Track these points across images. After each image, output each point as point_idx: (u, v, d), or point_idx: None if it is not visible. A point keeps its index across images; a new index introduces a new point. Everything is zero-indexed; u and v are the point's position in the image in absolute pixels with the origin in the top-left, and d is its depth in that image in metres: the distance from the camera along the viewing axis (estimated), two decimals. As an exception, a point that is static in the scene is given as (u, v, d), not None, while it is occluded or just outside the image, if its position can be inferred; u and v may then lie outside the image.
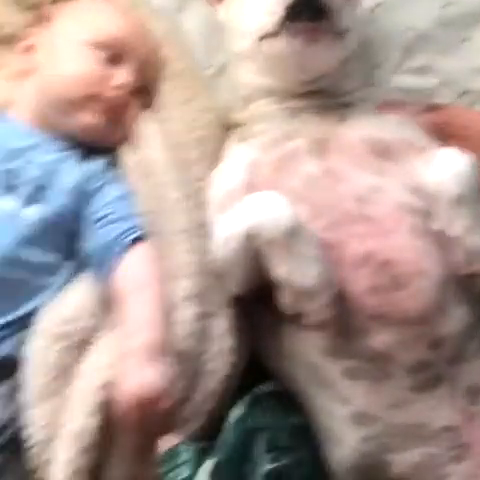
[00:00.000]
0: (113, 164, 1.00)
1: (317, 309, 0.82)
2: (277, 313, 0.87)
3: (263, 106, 0.98)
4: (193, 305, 0.90)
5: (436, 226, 0.86)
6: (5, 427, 0.85)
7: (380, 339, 0.84)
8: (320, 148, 0.91)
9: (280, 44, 0.92)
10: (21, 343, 0.88)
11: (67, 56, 0.98)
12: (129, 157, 0.98)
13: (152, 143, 0.98)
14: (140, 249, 0.91)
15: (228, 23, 1.02)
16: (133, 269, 0.89)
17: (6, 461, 0.84)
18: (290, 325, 0.88)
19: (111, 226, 0.92)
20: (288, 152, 0.91)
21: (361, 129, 0.93)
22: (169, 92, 1.02)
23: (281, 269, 0.82)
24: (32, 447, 0.85)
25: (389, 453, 0.85)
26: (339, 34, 0.94)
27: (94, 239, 0.92)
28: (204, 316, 0.91)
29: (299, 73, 0.95)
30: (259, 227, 0.83)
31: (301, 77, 0.96)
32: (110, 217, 0.93)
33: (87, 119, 0.96)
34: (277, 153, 0.92)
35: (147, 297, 0.86)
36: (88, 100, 0.96)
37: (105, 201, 0.94)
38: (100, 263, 0.91)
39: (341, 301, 0.84)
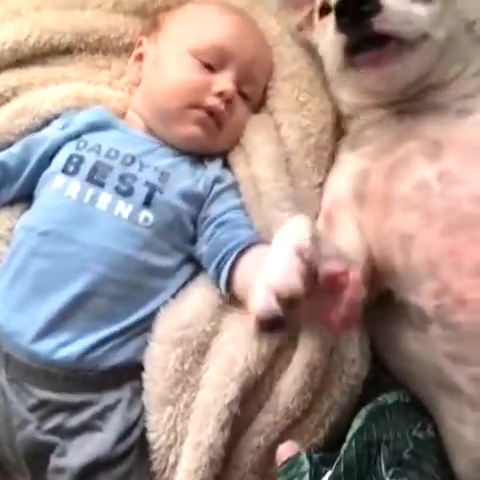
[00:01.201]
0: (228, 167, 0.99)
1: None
2: (398, 315, 0.85)
3: (371, 115, 0.94)
4: None
5: None
6: (131, 429, 0.86)
7: None
8: (434, 150, 0.86)
9: (353, 77, 0.88)
10: (141, 347, 0.89)
11: (167, 64, 0.98)
12: (241, 169, 0.97)
13: (261, 157, 0.96)
14: (264, 247, 0.89)
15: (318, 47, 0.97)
16: (260, 254, 0.87)
17: (133, 463, 0.85)
18: (413, 327, 0.85)
19: (234, 232, 0.92)
20: (400, 157, 0.87)
21: None
22: (286, 94, 1.00)
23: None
24: (156, 451, 0.86)
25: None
26: (412, 45, 0.84)
27: (215, 242, 0.92)
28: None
29: (390, 89, 0.90)
30: None
31: (394, 90, 0.91)
32: (232, 223, 0.93)
33: (187, 130, 0.96)
34: (388, 159, 0.88)
35: None
36: (188, 109, 0.95)
37: (225, 208, 0.94)
38: (219, 265, 0.90)
39: (461, 309, 0.80)
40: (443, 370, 0.83)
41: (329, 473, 0.78)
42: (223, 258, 0.90)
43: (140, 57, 1.03)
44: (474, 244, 0.80)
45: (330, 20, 0.87)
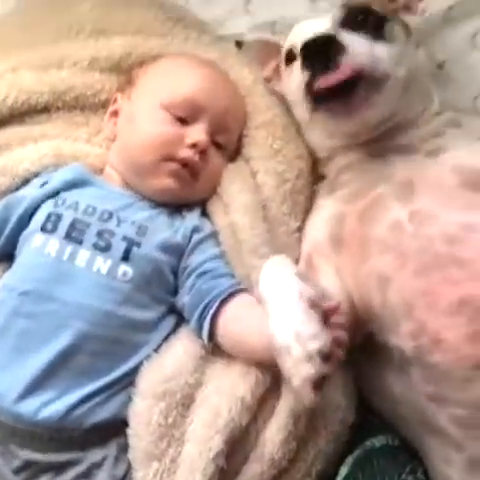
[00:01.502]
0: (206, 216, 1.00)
1: (293, 365, 0.77)
2: (381, 358, 0.86)
3: (345, 159, 0.96)
4: None
5: None
6: None
7: None
8: (405, 191, 0.87)
9: (324, 119, 0.91)
10: (125, 403, 0.88)
11: (141, 119, 1.00)
12: (219, 218, 0.98)
13: (238, 205, 0.97)
14: (245, 295, 0.91)
15: (287, 95, 1.02)
16: (243, 303, 0.90)
17: None
18: (396, 369, 0.85)
19: (215, 281, 0.92)
20: (373, 200, 0.89)
21: (453, 158, 0.89)
22: (261, 141, 1.01)
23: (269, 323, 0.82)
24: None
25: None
26: (378, 86, 0.88)
27: (197, 292, 0.92)
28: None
29: (358, 129, 0.93)
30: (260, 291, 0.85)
31: (362, 131, 0.93)
32: (213, 273, 0.93)
33: (162, 183, 0.97)
34: (362, 202, 0.90)
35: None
36: (162, 162, 0.96)
37: (205, 257, 0.94)
38: (201, 315, 0.91)
39: (437, 349, 0.80)
40: (426, 412, 0.83)
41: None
42: (205, 308, 0.90)
43: (115, 113, 1.05)
44: (447, 283, 0.81)
45: (296, 66, 0.91)
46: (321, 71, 0.86)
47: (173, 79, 1.01)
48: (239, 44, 1.13)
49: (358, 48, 0.87)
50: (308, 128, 1.00)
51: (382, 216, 0.87)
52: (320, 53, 0.86)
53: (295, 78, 0.92)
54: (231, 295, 0.90)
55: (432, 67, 1.09)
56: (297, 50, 0.93)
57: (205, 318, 0.90)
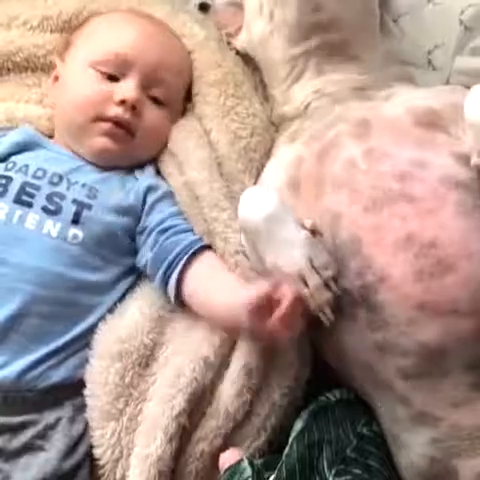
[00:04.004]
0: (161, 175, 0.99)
1: (312, 293, 0.81)
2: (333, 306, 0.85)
3: (305, 91, 0.95)
4: None
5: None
6: (75, 445, 0.87)
7: (430, 332, 0.79)
8: (361, 130, 0.87)
9: None
10: (80, 365, 0.89)
11: (71, 81, 0.98)
12: (174, 179, 0.96)
13: (194, 162, 0.95)
14: (210, 254, 0.91)
15: (248, 34, 1.01)
16: (208, 262, 0.90)
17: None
18: (344, 318, 0.84)
19: (178, 236, 0.91)
20: (329, 140, 0.89)
21: (407, 101, 0.89)
22: (213, 100, 1.00)
23: (269, 257, 0.83)
24: (103, 466, 0.86)
25: (458, 459, 0.81)
26: None
27: (161, 248, 0.91)
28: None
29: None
30: (243, 221, 0.86)
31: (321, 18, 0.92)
32: (175, 229, 0.92)
33: (97, 143, 0.95)
34: (320, 143, 0.89)
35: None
36: (93, 122, 0.95)
37: (164, 215, 0.93)
38: (167, 271, 0.90)
39: (382, 287, 0.80)
40: (373, 366, 0.84)
41: (272, 478, 0.78)
42: (170, 264, 0.90)
43: (56, 78, 1.03)
44: (395, 219, 0.81)
45: None
46: None
47: (100, 36, 0.99)
48: (205, 7, 1.10)
49: None
50: (269, 39, 0.97)
51: (337, 154, 0.87)
52: None
53: None
54: (196, 252, 0.90)
55: (387, 21, 1.08)
56: None
57: (170, 275, 0.89)
